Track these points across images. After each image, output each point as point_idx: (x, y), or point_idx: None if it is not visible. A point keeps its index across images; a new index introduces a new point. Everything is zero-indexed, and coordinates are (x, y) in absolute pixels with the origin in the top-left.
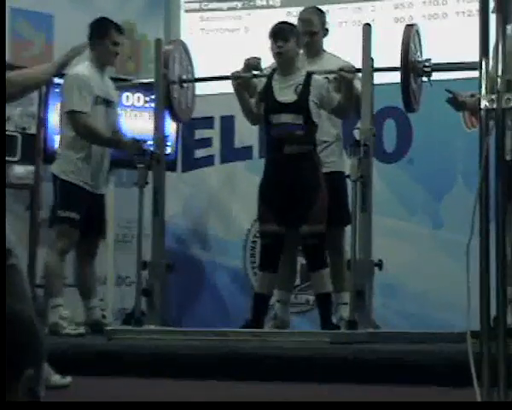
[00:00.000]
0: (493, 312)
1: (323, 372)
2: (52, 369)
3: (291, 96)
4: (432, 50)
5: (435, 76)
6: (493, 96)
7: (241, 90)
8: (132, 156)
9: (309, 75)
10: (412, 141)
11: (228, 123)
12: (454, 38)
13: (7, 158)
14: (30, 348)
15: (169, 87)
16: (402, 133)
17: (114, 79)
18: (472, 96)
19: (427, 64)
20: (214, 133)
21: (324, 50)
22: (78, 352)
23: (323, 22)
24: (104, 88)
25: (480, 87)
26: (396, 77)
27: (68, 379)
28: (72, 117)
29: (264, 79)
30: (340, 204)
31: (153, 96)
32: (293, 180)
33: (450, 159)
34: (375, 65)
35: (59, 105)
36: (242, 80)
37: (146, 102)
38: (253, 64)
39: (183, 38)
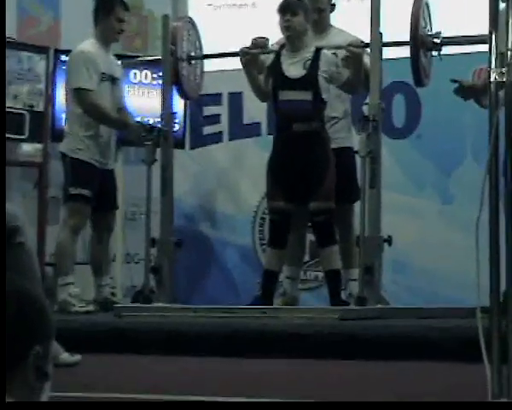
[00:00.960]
0: (503, 287)
1: (332, 349)
2: (61, 347)
3: (299, 71)
4: (440, 23)
5: (444, 50)
6: (503, 70)
7: (250, 66)
8: (136, 138)
9: (318, 50)
10: (421, 116)
11: (236, 99)
12: (463, 11)
13: (15, 136)
14: (38, 326)
15: (177, 64)
16: (411, 109)
17: (121, 56)
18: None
19: (436, 38)
20: (222, 110)
21: (331, 25)
22: (87, 329)
23: None
24: (109, 65)
25: (490, 60)
26: (404, 52)
27: (77, 357)
28: (78, 94)
29: (272, 56)
30: (349, 180)
31: (160, 73)
32: (301, 157)
33: (459, 134)
34: (384, 39)
35: (65, 80)
36: (251, 56)
37: (153, 78)
38: (260, 43)
39: (190, 13)
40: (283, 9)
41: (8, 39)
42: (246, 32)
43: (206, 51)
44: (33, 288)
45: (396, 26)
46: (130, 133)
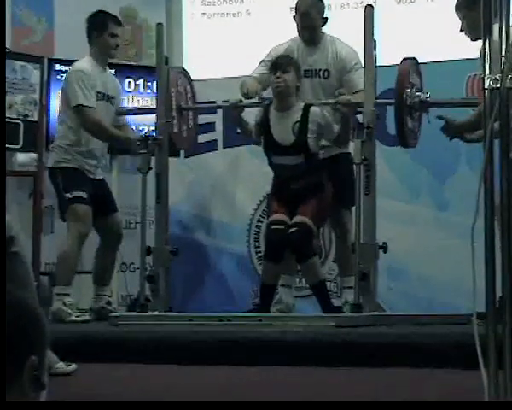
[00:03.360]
0: (499, 293)
1: (328, 356)
2: (57, 356)
3: (289, 136)
4: (434, 31)
5: (438, 57)
6: (497, 76)
7: (240, 119)
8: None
9: (306, 109)
10: None
11: None
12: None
13: (10, 145)
14: (33, 336)
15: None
16: None
17: (116, 66)
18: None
19: (423, 99)
20: (217, 118)
21: (323, 33)
22: (82, 339)
23: (322, 12)
24: (105, 83)
25: (484, 67)
26: (400, 59)
27: (73, 366)
28: (79, 112)
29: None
30: (347, 185)
31: (155, 82)
32: (299, 190)
33: (453, 141)
34: (378, 46)
35: (60, 92)
36: (240, 109)
37: (148, 87)
38: (251, 93)
39: (184, 22)
40: (274, 67)
41: None
42: (240, 40)
43: (199, 59)
44: (28, 297)
45: (390, 34)
46: (129, 145)
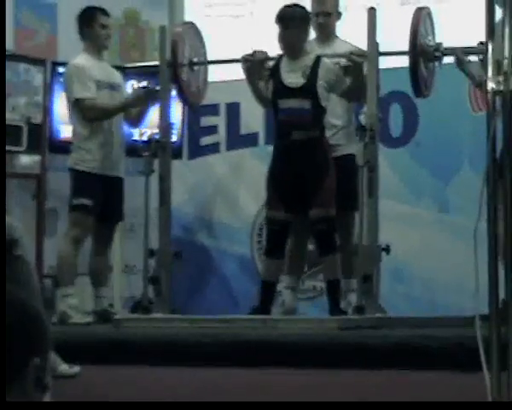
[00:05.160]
0: (502, 295)
1: (331, 358)
2: (60, 358)
3: (299, 79)
4: (440, 33)
5: (443, 59)
6: (500, 78)
7: (251, 73)
8: (144, 101)
9: (318, 58)
10: (418, 125)
11: (233, 110)
12: (462, 21)
13: (13, 148)
14: (35, 338)
15: (177, 70)
16: (408, 117)
17: (119, 68)
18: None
19: (437, 49)
20: (220, 120)
21: (337, 36)
22: (85, 341)
23: (337, 4)
24: (105, 73)
25: (487, 69)
26: (402, 61)
27: (76, 368)
28: (77, 105)
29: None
30: (351, 187)
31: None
32: (300, 165)
33: (456, 142)
34: (381, 49)
35: (64, 94)
36: (252, 64)
37: None
38: (260, 56)
39: None
40: (281, 23)
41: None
42: (244, 42)
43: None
44: (31, 300)
45: (393, 36)
46: (136, 102)
